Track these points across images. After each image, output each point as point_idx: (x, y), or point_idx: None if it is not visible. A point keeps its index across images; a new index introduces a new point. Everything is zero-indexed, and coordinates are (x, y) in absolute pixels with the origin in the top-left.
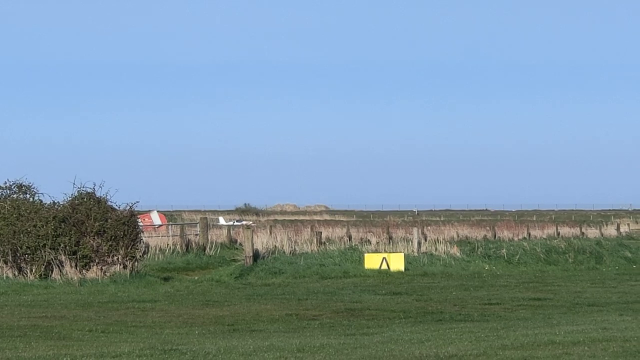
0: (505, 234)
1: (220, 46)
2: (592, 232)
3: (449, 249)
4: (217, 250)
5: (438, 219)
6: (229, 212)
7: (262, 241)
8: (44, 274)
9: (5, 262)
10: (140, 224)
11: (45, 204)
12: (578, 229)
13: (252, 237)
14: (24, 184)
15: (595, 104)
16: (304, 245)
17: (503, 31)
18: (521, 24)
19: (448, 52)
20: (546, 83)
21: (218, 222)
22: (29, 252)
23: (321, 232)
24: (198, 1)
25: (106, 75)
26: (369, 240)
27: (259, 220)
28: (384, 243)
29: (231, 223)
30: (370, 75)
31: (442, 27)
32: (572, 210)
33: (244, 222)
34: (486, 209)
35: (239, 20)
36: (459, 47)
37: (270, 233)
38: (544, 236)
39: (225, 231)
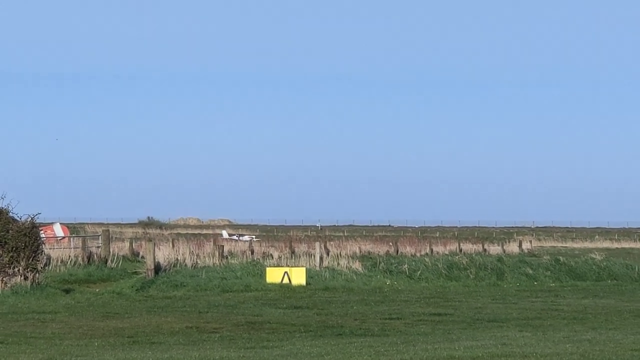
0: (407, 249)
1: (129, 56)
2: (494, 249)
3: (351, 264)
4: (119, 263)
5: (341, 234)
6: (131, 225)
7: (164, 254)
8: None
9: None
10: (42, 235)
11: None
12: (480, 245)
13: (154, 250)
14: None
15: (498, 123)
16: (206, 258)
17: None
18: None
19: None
20: (455, 96)
21: (222, 235)
22: None
23: (223, 246)
24: None
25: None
26: (271, 254)
27: (162, 234)
28: (286, 257)
29: (235, 237)
30: (276, 87)
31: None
32: (475, 227)
33: (246, 237)
34: (389, 225)
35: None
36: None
37: (173, 246)
38: (446, 252)
39: (127, 244)
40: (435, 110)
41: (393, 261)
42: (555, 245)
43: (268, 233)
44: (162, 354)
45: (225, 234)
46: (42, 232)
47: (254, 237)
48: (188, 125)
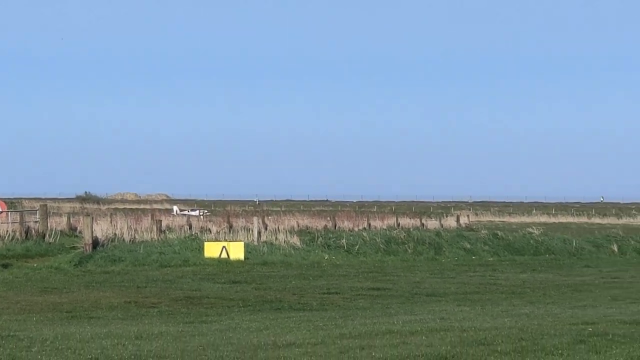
0: (345, 224)
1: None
2: (432, 224)
3: (289, 239)
4: (56, 238)
5: (279, 209)
6: (69, 200)
7: (102, 229)
8: None
9: None
10: None
11: None
12: (418, 220)
13: (92, 225)
14: None
15: (433, 99)
16: (144, 233)
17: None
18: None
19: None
20: (397, 73)
21: (173, 211)
22: None
23: (161, 221)
24: None
25: None
26: (209, 229)
27: (100, 209)
28: (224, 232)
29: (186, 212)
30: (218, 65)
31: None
32: (413, 201)
33: (198, 212)
34: (327, 200)
35: None
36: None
37: (111, 221)
38: (384, 227)
39: (65, 219)
40: (378, 86)
41: (331, 236)
42: (492, 219)
43: (206, 207)
44: (100, 328)
45: (176, 209)
46: None
47: (205, 211)
48: (124, 100)
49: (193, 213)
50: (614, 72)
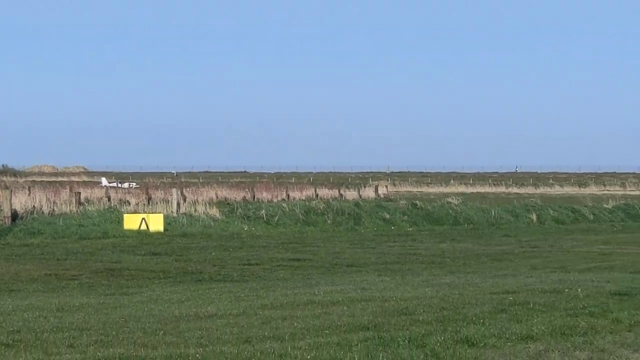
0: (264, 195)
1: None
2: (350, 194)
3: (208, 210)
4: None
5: (197, 180)
6: None
7: (20, 202)
8: None
9: None
10: None
11: None
12: (337, 190)
13: (11, 197)
14: None
15: (354, 73)
16: (63, 205)
17: None
18: None
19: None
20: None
21: (101, 183)
22: None
23: (80, 193)
24: None
25: None
26: (128, 201)
27: (17, 182)
28: (143, 204)
29: (114, 184)
30: (136, 37)
31: None
32: (331, 172)
33: (127, 184)
34: (245, 171)
35: None
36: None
37: (29, 194)
38: (303, 198)
39: None
40: (301, 59)
41: (250, 207)
42: (411, 190)
43: (123, 180)
44: (21, 301)
45: (104, 181)
46: None
47: (134, 184)
48: (38, 74)
49: (123, 185)
50: (524, 43)
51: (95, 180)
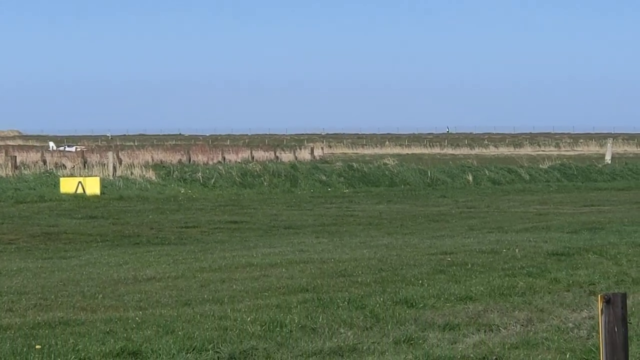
0: (200, 158)
1: None
2: (286, 156)
3: (144, 173)
4: None
5: (132, 143)
6: None
7: None
8: None
9: None
10: None
11: None
12: (272, 152)
13: None
14: None
15: (280, 27)
16: None
17: None
18: None
19: None
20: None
21: (49, 147)
22: None
23: (16, 157)
24: None
25: None
26: (63, 164)
27: None
28: (79, 167)
29: (62, 148)
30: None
31: None
32: (266, 134)
33: (75, 148)
34: (180, 134)
35: None
36: None
37: None
38: (239, 160)
39: None
40: (228, 18)
41: (186, 170)
42: (346, 152)
43: (59, 143)
44: None
45: (52, 145)
46: None
47: (83, 147)
48: None
49: (70, 149)
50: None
51: (30, 144)
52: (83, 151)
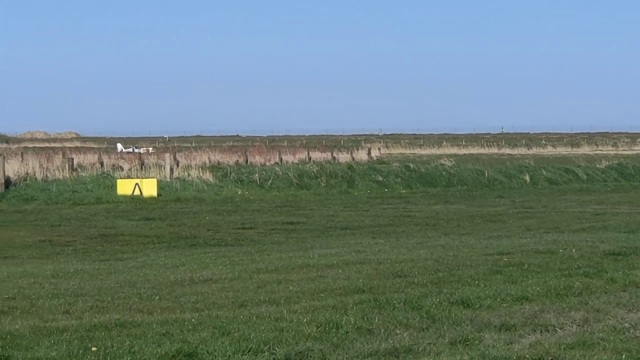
0: (257, 159)
1: None
2: (343, 157)
3: (201, 174)
4: None
5: (189, 145)
6: None
7: (13, 168)
8: None
9: None
10: None
11: None
12: (329, 153)
13: (4, 164)
14: None
15: (337, 30)
16: (56, 171)
17: None
18: None
19: None
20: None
21: (116, 148)
22: None
23: (73, 159)
24: None
25: None
26: (120, 166)
27: (10, 148)
28: (136, 169)
29: (130, 149)
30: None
31: None
32: (323, 135)
33: (143, 149)
34: (237, 135)
35: None
36: None
37: (22, 160)
38: (296, 161)
39: None
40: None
41: (243, 171)
42: (403, 152)
43: (139, 146)
44: (16, 267)
45: (120, 147)
46: None
47: (150, 148)
48: (32, 38)
49: (138, 150)
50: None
51: (88, 146)
52: (151, 153)
